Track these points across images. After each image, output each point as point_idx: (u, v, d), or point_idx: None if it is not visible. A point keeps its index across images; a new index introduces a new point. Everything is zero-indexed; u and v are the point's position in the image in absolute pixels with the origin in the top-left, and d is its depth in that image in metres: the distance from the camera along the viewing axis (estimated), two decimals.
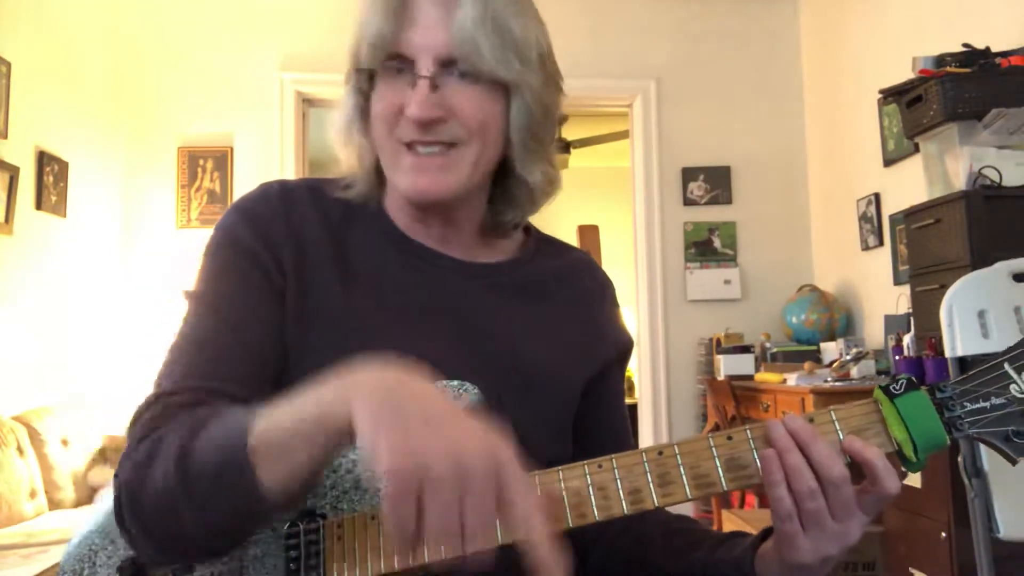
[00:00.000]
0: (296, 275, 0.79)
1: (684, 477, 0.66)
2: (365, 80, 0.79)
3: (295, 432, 0.59)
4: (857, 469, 0.64)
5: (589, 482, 0.66)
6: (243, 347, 0.75)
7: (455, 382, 0.73)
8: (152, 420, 0.69)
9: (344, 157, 0.85)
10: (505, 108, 0.80)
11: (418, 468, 0.50)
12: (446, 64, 0.76)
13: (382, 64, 0.78)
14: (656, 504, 0.65)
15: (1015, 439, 0.62)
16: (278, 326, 0.77)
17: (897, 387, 0.65)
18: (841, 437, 0.65)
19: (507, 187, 0.85)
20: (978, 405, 0.64)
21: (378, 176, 0.84)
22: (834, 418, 0.66)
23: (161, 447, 0.65)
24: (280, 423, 0.60)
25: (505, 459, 0.53)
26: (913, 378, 0.64)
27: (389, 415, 0.53)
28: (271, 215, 0.80)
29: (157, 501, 0.64)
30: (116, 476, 0.68)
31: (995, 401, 0.63)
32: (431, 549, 0.55)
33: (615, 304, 0.96)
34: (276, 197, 0.82)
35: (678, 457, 0.66)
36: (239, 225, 0.80)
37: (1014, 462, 0.63)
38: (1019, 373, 0.63)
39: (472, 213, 0.86)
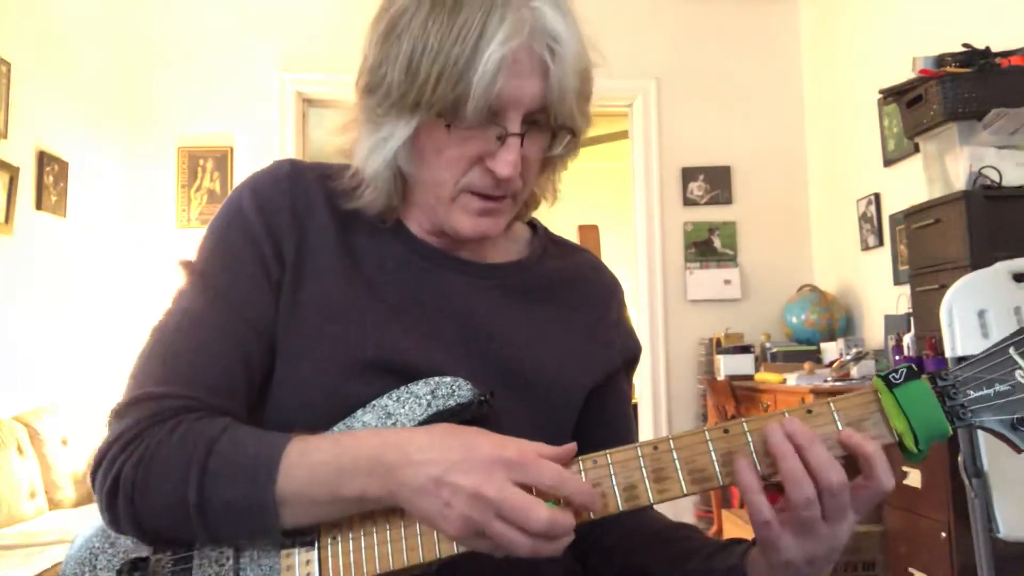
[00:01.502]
0: (296, 265, 0.78)
1: (680, 472, 0.64)
2: (433, 119, 0.72)
3: (328, 502, 0.65)
4: (850, 462, 0.62)
5: (584, 479, 0.65)
6: (236, 354, 0.74)
7: (448, 379, 0.73)
8: (148, 418, 0.69)
9: (350, 161, 0.80)
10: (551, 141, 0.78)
11: (472, 528, 0.61)
12: (530, 114, 0.73)
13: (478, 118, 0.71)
14: (652, 500, 0.64)
15: (1021, 427, 0.60)
16: (268, 328, 0.76)
17: (897, 376, 0.62)
18: (840, 429, 0.64)
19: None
20: (981, 392, 0.61)
21: (399, 192, 0.80)
22: (833, 409, 0.64)
23: (168, 455, 0.67)
24: (315, 492, 0.65)
25: (511, 464, 0.61)
26: (914, 366, 0.62)
27: (435, 508, 0.62)
28: (279, 198, 0.79)
29: (165, 510, 0.66)
30: (102, 465, 0.68)
31: (999, 388, 0.60)
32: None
33: (623, 307, 0.93)
34: (286, 179, 0.80)
35: (673, 452, 0.65)
36: (249, 210, 0.78)
37: (1020, 450, 0.60)
38: None
39: None
